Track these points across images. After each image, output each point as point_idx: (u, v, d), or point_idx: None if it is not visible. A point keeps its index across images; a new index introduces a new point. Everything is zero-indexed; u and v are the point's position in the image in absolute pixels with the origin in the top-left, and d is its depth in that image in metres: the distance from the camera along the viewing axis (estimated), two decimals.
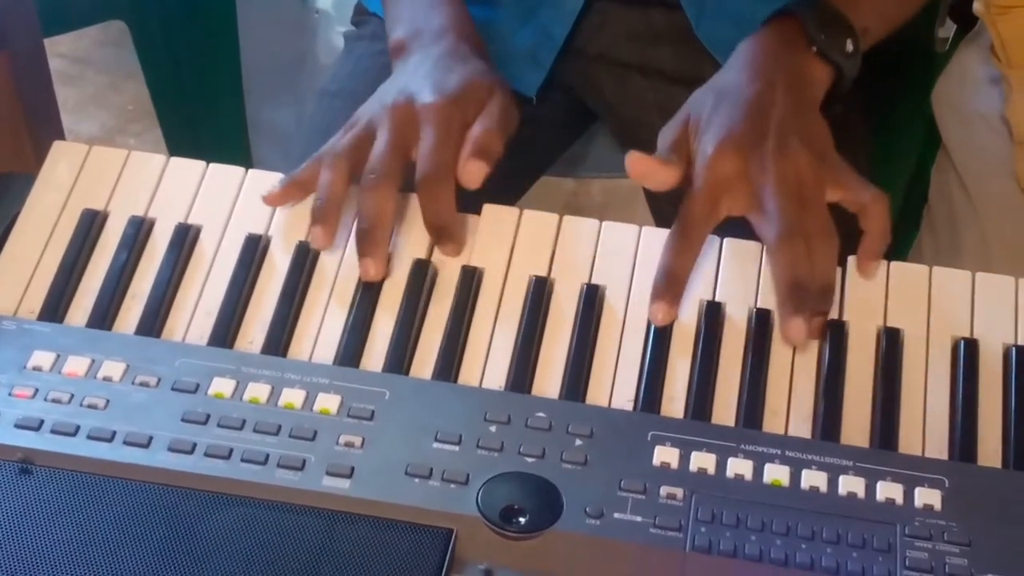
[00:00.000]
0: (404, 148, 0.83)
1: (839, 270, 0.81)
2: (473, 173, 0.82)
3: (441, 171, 0.82)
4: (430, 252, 0.82)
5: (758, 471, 0.72)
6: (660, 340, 0.78)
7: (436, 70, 0.88)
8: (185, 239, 0.82)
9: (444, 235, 0.82)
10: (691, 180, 0.82)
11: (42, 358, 0.75)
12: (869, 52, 0.98)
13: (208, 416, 0.73)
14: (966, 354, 0.77)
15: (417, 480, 0.70)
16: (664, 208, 0.86)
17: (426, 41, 0.93)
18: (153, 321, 0.79)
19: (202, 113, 1.53)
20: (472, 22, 0.96)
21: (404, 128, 0.84)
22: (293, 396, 0.74)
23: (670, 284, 0.79)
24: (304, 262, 0.81)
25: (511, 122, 0.87)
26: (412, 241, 0.83)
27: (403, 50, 0.94)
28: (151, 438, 0.71)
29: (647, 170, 0.83)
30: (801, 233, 0.79)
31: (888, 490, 0.71)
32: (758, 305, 0.80)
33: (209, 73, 1.51)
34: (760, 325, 0.79)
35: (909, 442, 0.75)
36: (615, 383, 0.77)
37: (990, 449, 0.74)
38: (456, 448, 0.72)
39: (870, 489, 0.71)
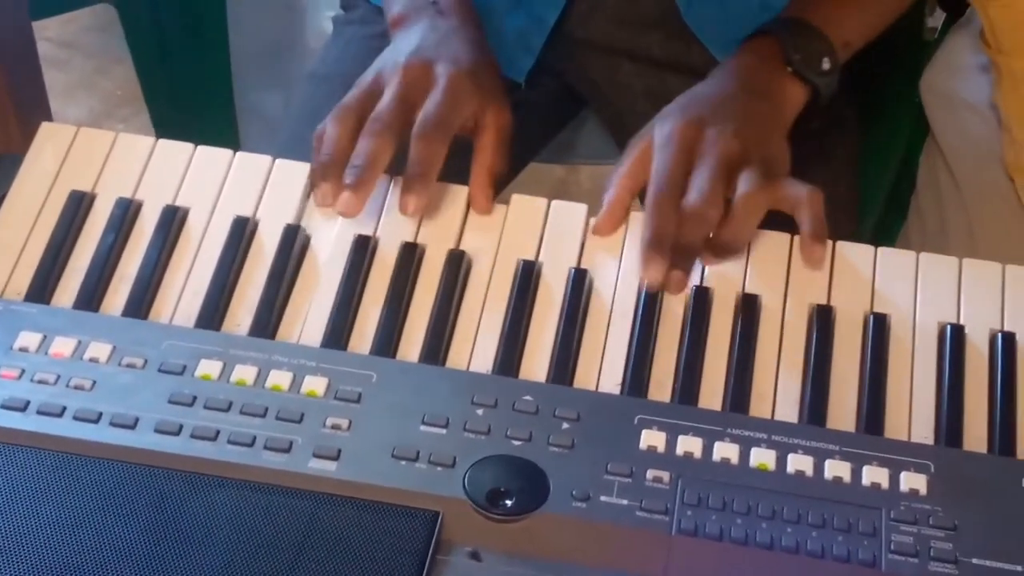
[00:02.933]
0: (410, 104, 0.84)
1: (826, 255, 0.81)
2: (482, 204, 0.83)
3: (440, 128, 0.83)
4: (417, 235, 0.82)
5: (744, 455, 0.72)
6: (647, 324, 0.78)
7: (447, 43, 0.89)
8: (173, 221, 0.82)
9: (415, 188, 0.81)
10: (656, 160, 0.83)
11: (29, 339, 0.75)
12: None
13: (195, 398, 0.72)
14: (952, 339, 0.78)
15: (404, 463, 0.70)
16: None
17: (431, 13, 0.93)
18: (140, 303, 0.79)
19: (190, 97, 1.52)
20: (472, 3, 0.96)
21: (414, 86, 0.85)
22: (280, 378, 0.74)
23: (659, 245, 0.79)
24: (292, 244, 0.81)
25: (508, 130, 0.88)
26: (399, 224, 0.83)
27: (404, 20, 0.94)
28: (137, 419, 0.71)
29: (615, 226, 0.83)
30: (678, 202, 0.80)
31: (874, 474, 0.71)
32: (745, 290, 0.80)
33: (197, 57, 1.50)
34: (748, 310, 0.79)
35: (895, 427, 0.75)
36: (602, 367, 0.77)
37: (975, 434, 0.75)
38: (443, 431, 0.72)
39: (856, 473, 0.71)
